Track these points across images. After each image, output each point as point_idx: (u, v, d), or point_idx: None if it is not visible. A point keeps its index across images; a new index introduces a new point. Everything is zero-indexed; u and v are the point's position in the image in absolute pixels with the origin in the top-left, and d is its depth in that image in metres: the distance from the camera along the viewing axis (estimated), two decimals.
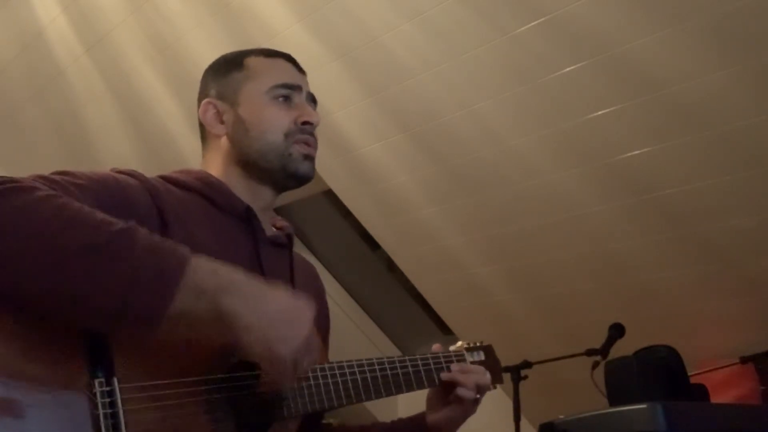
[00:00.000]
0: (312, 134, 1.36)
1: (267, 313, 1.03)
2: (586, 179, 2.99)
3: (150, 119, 3.87)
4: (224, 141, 1.36)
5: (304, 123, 1.34)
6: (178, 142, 3.83)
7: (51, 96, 4.10)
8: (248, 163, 1.34)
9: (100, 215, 1.01)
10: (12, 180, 1.00)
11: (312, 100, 1.40)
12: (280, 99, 1.34)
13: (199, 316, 1.00)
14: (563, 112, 2.84)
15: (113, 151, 4.11)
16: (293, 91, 1.36)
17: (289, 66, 1.40)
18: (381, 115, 3.23)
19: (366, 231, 3.96)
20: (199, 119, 1.40)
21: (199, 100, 1.40)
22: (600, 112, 2.75)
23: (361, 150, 3.42)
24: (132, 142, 4.08)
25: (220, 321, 1.00)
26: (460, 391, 1.40)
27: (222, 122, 1.36)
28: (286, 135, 1.33)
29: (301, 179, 1.35)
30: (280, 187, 1.38)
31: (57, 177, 1.10)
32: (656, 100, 2.62)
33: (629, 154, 2.82)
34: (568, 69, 2.68)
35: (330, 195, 3.97)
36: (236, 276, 1.04)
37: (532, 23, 2.61)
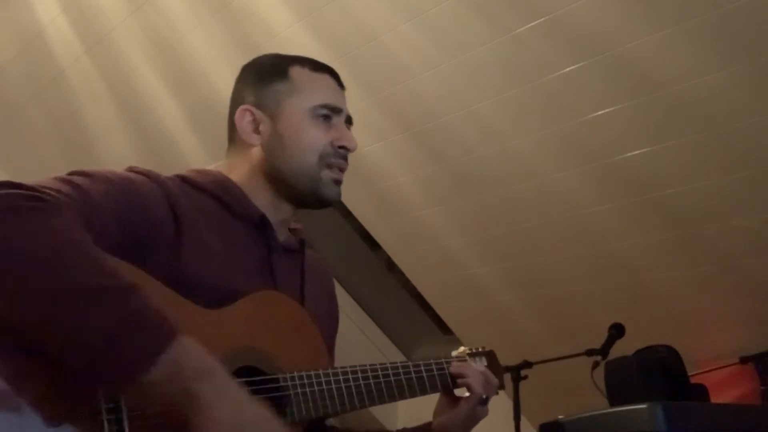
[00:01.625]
0: (346, 158, 1.36)
1: (240, 415, 0.99)
2: (586, 179, 2.99)
3: (150, 119, 3.87)
4: (256, 151, 1.34)
5: (341, 147, 1.34)
6: (178, 142, 3.83)
7: (51, 96, 4.10)
8: (278, 179, 1.33)
9: (110, 264, 1.00)
10: (37, 195, 0.99)
11: (349, 121, 1.40)
12: (321, 119, 1.33)
13: (168, 394, 0.97)
14: (563, 112, 2.84)
15: (113, 151, 4.11)
16: (334, 113, 1.35)
17: (332, 83, 1.39)
18: (381, 115, 3.23)
19: (366, 231, 3.96)
20: (230, 121, 1.37)
21: (234, 101, 1.38)
22: (600, 112, 2.75)
23: (361, 150, 3.40)
24: (132, 142, 4.08)
25: (189, 404, 0.97)
26: (469, 382, 1.40)
27: (257, 132, 1.34)
28: (321, 156, 1.32)
29: (328, 204, 1.36)
30: (302, 206, 1.37)
31: (77, 180, 1.09)
32: (656, 100, 2.62)
33: (629, 154, 2.82)
34: (568, 69, 2.67)
35: None
36: (220, 369, 1.01)
37: (532, 23, 2.61)
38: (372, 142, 3.37)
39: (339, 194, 1.35)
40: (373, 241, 4.03)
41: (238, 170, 1.34)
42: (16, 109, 4.34)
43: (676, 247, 3.02)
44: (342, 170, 1.35)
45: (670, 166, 2.78)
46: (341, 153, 1.34)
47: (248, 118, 1.34)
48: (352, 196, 3.75)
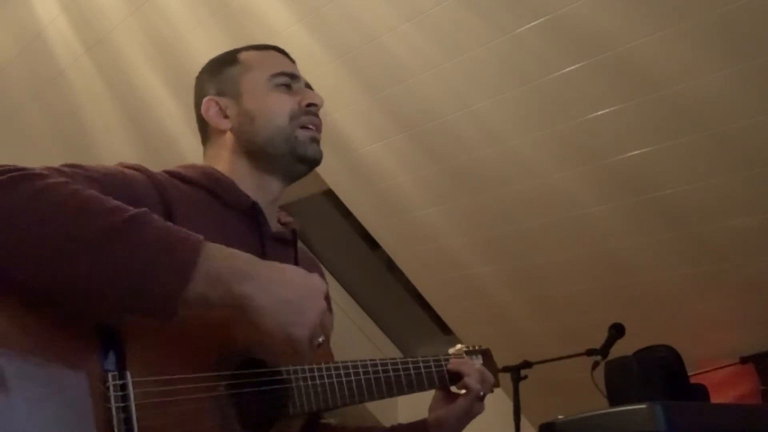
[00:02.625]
0: (316, 115, 1.37)
1: (282, 295, 1.04)
2: (586, 179, 2.99)
3: (150, 119, 3.87)
4: (229, 135, 1.36)
5: (309, 105, 1.36)
6: (178, 142, 3.83)
7: (51, 96, 4.10)
8: (256, 152, 1.34)
9: (113, 202, 1.01)
10: (20, 168, 1.00)
11: (308, 87, 1.41)
12: (282, 87, 1.36)
13: (213, 302, 1.00)
14: (563, 112, 2.84)
15: (113, 151, 4.11)
16: (292, 79, 1.37)
17: (281, 56, 1.42)
18: (381, 115, 3.23)
19: (366, 231, 3.96)
20: (199, 119, 1.40)
21: (197, 100, 1.40)
22: (600, 112, 2.75)
23: (361, 150, 3.42)
24: (132, 142, 4.08)
25: (235, 306, 1.01)
26: (466, 380, 1.41)
27: (226, 117, 1.36)
28: (291, 118, 1.34)
29: (310, 162, 1.36)
30: (289, 176, 1.38)
31: (66, 169, 1.11)
32: (656, 100, 2.62)
33: (629, 154, 2.82)
34: (568, 69, 2.68)
35: (330, 195, 3.97)
36: (250, 261, 1.05)
37: (532, 23, 2.61)
38: (372, 142, 3.37)
39: (319, 151, 1.37)
40: (373, 241, 4.03)
41: (220, 159, 1.36)
42: (16, 109, 4.35)
43: (676, 247, 3.02)
44: (316, 128, 1.37)
45: (670, 166, 2.78)
46: (310, 110, 1.36)
47: (214, 107, 1.37)
48: (352, 196, 3.75)
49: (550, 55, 2.68)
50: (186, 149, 3.78)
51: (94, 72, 3.81)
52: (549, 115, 2.88)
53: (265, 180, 1.35)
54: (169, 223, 1.03)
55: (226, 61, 1.40)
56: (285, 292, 1.05)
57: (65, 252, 0.94)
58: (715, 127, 2.61)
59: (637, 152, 2.80)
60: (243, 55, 1.40)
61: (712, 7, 2.32)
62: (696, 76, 2.50)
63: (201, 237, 1.02)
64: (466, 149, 3.17)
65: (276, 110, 1.34)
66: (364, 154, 3.43)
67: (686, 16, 2.37)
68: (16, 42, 3.90)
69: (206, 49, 3.22)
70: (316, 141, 1.36)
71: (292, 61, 1.43)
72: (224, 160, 1.35)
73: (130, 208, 1.00)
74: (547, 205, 3.18)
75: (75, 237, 0.95)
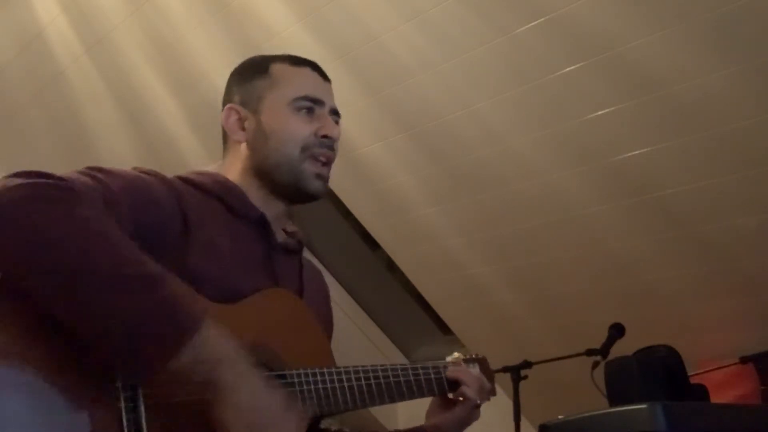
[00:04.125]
0: (331, 148, 1.35)
1: (261, 401, 1.03)
2: (585, 179, 2.99)
3: (150, 119, 3.87)
4: (244, 148, 1.36)
5: (324, 136, 1.34)
6: (178, 142, 3.83)
7: (51, 96, 4.10)
8: (263, 173, 1.34)
9: (138, 252, 1.02)
10: (65, 185, 1.02)
11: (335, 113, 1.40)
12: (303, 111, 1.34)
13: (192, 381, 1.01)
14: (563, 112, 2.84)
15: (113, 151, 4.11)
16: (316, 104, 1.35)
17: (314, 76, 1.39)
18: (381, 115, 3.23)
19: (366, 231, 3.96)
20: (221, 124, 1.39)
21: (224, 104, 1.40)
22: (600, 112, 2.75)
23: (361, 150, 3.42)
24: (132, 142, 4.08)
25: (212, 391, 1.01)
26: (464, 389, 1.42)
27: (243, 129, 1.36)
28: (303, 148, 1.32)
29: (310, 198, 1.36)
30: (290, 201, 1.38)
31: (96, 174, 1.12)
32: (656, 100, 2.62)
33: (629, 154, 2.82)
34: (568, 69, 2.67)
35: (330, 195, 3.97)
36: (242, 356, 1.05)
37: (532, 23, 2.61)
38: (372, 142, 3.37)
39: (322, 188, 1.36)
40: (373, 241, 4.03)
41: (232, 169, 1.36)
42: (16, 109, 4.35)
43: (676, 247, 3.02)
44: (327, 161, 1.35)
45: (670, 166, 2.78)
46: (325, 143, 1.34)
47: (234, 116, 1.37)
48: (352, 196, 3.75)
49: (550, 55, 2.68)
50: (186, 149, 3.77)
51: (94, 72, 3.81)
52: (549, 115, 2.88)
53: (270, 199, 1.35)
54: (182, 289, 1.04)
55: (258, 69, 1.38)
56: (267, 401, 1.04)
57: (79, 278, 0.96)
58: (715, 127, 2.60)
59: (637, 152, 2.80)
60: (275, 68, 1.38)
61: (711, 7, 2.31)
62: (696, 76, 2.50)
63: (204, 312, 1.03)
64: (466, 149, 3.17)
65: (290, 136, 1.32)
66: (364, 154, 3.43)
67: (686, 16, 2.37)
68: (16, 42, 3.90)
69: (206, 49, 3.23)
70: (321, 178, 1.35)
71: (326, 79, 1.41)
72: (236, 171, 1.36)
73: (153, 263, 1.02)
74: (547, 205, 3.18)
75: (91, 268, 0.97)
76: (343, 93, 3.45)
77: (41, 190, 0.99)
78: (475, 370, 1.55)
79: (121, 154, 4.02)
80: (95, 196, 1.05)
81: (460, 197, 3.40)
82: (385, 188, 3.55)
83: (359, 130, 3.35)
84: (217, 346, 1.02)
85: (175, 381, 0.99)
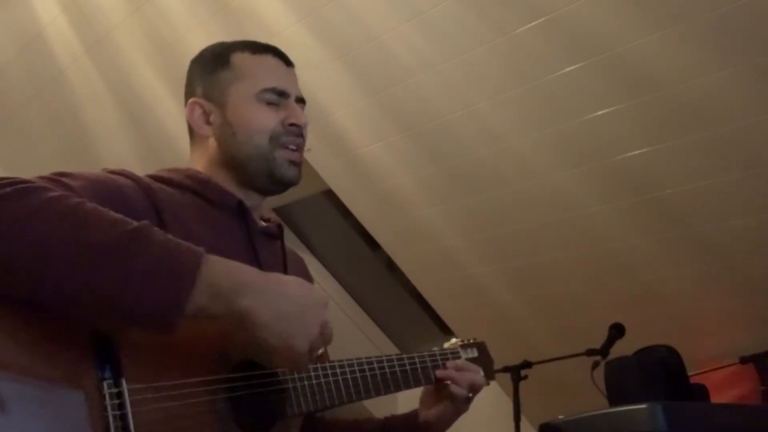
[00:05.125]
0: (300, 135, 1.35)
1: (282, 308, 1.04)
2: (585, 179, 2.99)
3: (150, 119, 3.87)
4: (211, 142, 1.35)
5: (291, 125, 1.33)
6: (178, 142, 3.83)
7: (51, 96, 4.10)
8: (234, 167, 1.33)
9: (114, 214, 1.01)
10: (22, 181, 1.00)
11: (300, 101, 1.38)
12: (269, 102, 1.33)
13: (213, 315, 1.00)
14: (563, 112, 2.84)
15: (113, 151, 4.11)
16: (281, 96, 1.34)
17: (276, 63, 1.37)
18: (381, 115, 3.23)
19: (366, 231, 3.96)
20: (186, 118, 1.38)
21: (186, 96, 1.39)
22: (600, 112, 2.75)
23: (361, 150, 3.42)
24: (132, 142, 4.08)
25: (235, 319, 1.02)
26: (453, 389, 1.43)
27: (209, 123, 1.35)
28: (272, 138, 1.32)
29: (286, 185, 1.35)
30: (264, 192, 1.37)
31: (57, 178, 1.10)
32: (656, 100, 2.62)
33: (629, 154, 2.82)
34: (568, 69, 2.68)
35: (330, 195, 3.97)
36: (250, 273, 1.05)
37: (532, 23, 2.61)
38: (372, 142, 3.37)
39: (297, 174, 1.35)
40: (373, 241, 4.03)
41: (201, 163, 1.36)
42: (16, 109, 4.35)
43: (676, 247, 3.02)
44: (297, 147, 1.34)
45: (669, 166, 2.79)
46: (292, 131, 1.34)
47: (198, 111, 1.35)
48: (352, 196, 3.75)
49: (549, 55, 2.68)
50: (186, 149, 3.76)
51: (94, 72, 3.81)
52: (549, 115, 2.88)
53: (244, 190, 1.35)
54: (171, 236, 1.02)
55: (219, 60, 1.36)
56: (285, 304, 1.04)
57: (70, 263, 0.95)
58: (714, 127, 2.61)
59: (637, 152, 2.81)
60: (236, 58, 1.36)
61: (711, 7, 2.32)
62: (696, 76, 2.50)
63: (202, 249, 1.02)
64: (466, 149, 3.17)
65: (258, 128, 1.31)
66: (364, 154, 3.43)
67: (686, 16, 2.37)
68: (16, 42, 3.90)
69: None
70: (294, 163, 1.34)
71: (289, 63, 1.39)
72: (205, 164, 1.35)
73: (133, 221, 1.01)
74: (547, 205, 3.18)
75: (80, 248, 0.95)
76: (343, 93, 3.49)
77: (7, 190, 0.96)
78: (473, 354, 1.56)
79: (121, 154, 4.02)
80: (52, 186, 1.04)
81: (461, 197, 3.40)
82: (385, 188, 3.55)
83: (359, 130, 3.35)
84: (223, 276, 1.01)
85: (200, 318, 0.99)
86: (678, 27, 2.41)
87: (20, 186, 0.98)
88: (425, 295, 4.05)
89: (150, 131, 3.94)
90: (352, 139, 3.39)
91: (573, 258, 3.32)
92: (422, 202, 3.53)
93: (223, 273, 1.02)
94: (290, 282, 1.08)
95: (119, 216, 1.01)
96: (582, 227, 3.16)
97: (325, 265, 4.55)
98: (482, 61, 2.81)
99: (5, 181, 0.99)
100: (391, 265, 4.24)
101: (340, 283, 4.61)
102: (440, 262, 3.73)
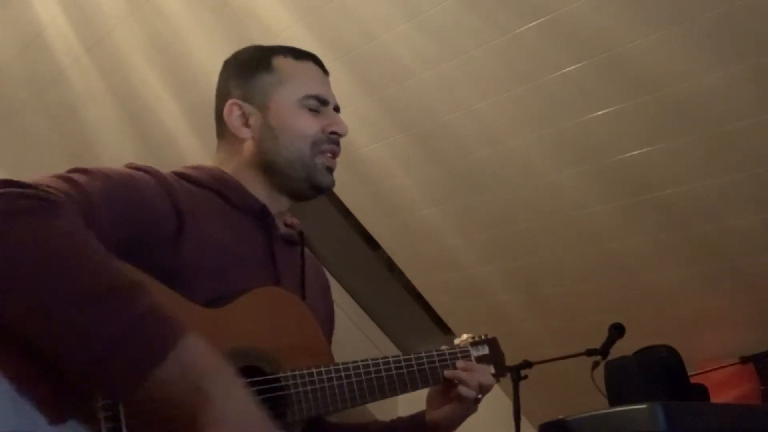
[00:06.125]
0: (337, 143, 1.36)
1: (245, 415, 0.99)
2: (585, 179, 2.99)
3: (150, 119, 3.87)
4: (248, 145, 1.34)
5: (333, 133, 1.35)
6: (178, 142, 3.83)
7: (51, 96, 4.10)
8: (272, 170, 1.33)
9: (115, 264, 0.98)
10: (37, 194, 0.98)
11: (336, 109, 1.40)
12: (311, 109, 1.34)
13: (176, 392, 0.95)
14: (563, 112, 2.84)
15: (113, 151, 4.11)
16: (323, 104, 1.36)
17: (317, 71, 1.39)
18: (381, 115, 3.23)
19: (366, 231, 3.96)
20: (218, 116, 1.37)
21: (220, 96, 1.38)
22: (600, 112, 2.75)
23: (361, 150, 3.42)
24: (132, 141, 4.08)
25: (198, 402, 0.96)
26: (462, 390, 1.40)
27: (248, 125, 1.34)
28: (313, 144, 1.33)
29: (322, 191, 1.36)
30: (298, 197, 1.37)
31: (76, 177, 1.08)
32: (656, 100, 2.62)
33: (629, 154, 2.82)
34: (568, 69, 2.68)
35: (330, 195, 3.97)
36: (227, 366, 1.00)
37: (532, 23, 2.61)
38: (372, 142, 3.37)
39: (333, 181, 1.37)
40: (373, 241, 4.03)
41: (231, 165, 1.35)
42: (16, 109, 4.34)
43: (676, 246, 3.02)
44: (335, 155, 1.36)
45: (669, 166, 2.79)
46: (333, 138, 1.35)
47: (237, 112, 1.35)
48: (352, 196, 3.75)
49: (549, 55, 2.68)
50: (186, 149, 3.78)
51: (94, 72, 3.81)
52: (549, 115, 2.88)
53: (275, 194, 1.35)
54: (160, 302, 0.98)
55: (260, 65, 1.36)
56: (249, 413, 0.99)
57: (55, 298, 0.92)
58: (714, 127, 2.61)
59: (636, 152, 2.81)
60: (278, 62, 1.36)
61: (711, 7, 2.32)
62: (696, 76, 2.50)
63: (184, 324, 0.98)
64: (465, 149, 3.17)
65: (301, 134, 1.32)
66: (364, 154, 3.43)
67: (686, 16, 2.37)
68: (16, 42, 3.90)
69: (206, 49, 3.23)
70: (331, 170, 1.36)
71: (326, 72, 1.41)
72: (236, 166, 1.34)
73: (129, 275, 0.98)
74: (547, 205, 3.18)
75: (58, 292, 0.92)
76: (343, 93, 3.45)
77: (9, 202, 0.94)
78: (484, 350, 1.52)
79: (121, 154, 4.02)
80: (70, 203, 1.02)
81: (460, 197, 3.40)
82: (385, 188, 3.55)
83: (359, 130, 3.35)
84: (201, 356, 0.97)
85: (161, 393, 0.94)
86: (678, 27, 2.41)
87: (40, 203, 0.96)
88: (425, 295, 4.05)
89: (150, 131, 3.94)
90: (352, 139, 3.38)
91: (573, 258, 3.32)
92: (422, 202, 3.53)
93: (200, 353, 0.97)
94: (253, 399, 1.02)
95: (117, 268, 0.98)
96: (582, 227, 3.16)
97: (325, 265, 4.53)
98: (482, 61, 2.81)
99: (29, 191, 0.97)
100: (391, 265, 4.24)
101: (340, 283, 4.61)
102: (440, 262, 3.73)
